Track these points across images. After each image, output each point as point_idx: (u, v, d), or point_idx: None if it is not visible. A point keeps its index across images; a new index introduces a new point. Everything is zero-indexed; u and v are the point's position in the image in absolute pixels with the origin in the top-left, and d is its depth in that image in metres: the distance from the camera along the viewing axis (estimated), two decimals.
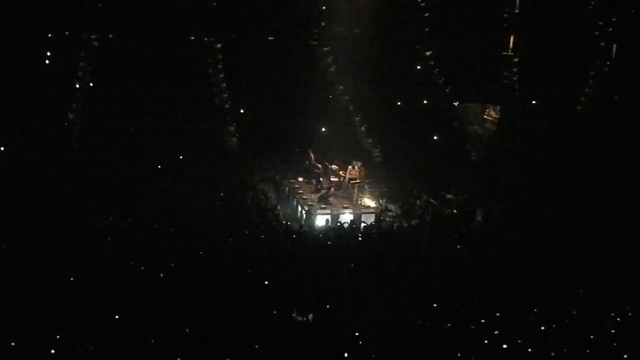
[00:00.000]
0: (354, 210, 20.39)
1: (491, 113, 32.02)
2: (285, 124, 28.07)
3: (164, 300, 12.79)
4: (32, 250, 15.01)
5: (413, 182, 23.38)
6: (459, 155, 28.16)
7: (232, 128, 28.12)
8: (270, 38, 29.16)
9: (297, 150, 25.21)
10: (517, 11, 29.13)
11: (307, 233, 18.29)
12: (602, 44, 29.47)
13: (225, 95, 28.58)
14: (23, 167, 22.52)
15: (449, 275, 15.87)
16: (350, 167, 21.56)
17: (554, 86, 28.45)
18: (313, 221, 19.93)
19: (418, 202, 21.17)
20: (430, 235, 18.12)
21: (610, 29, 29.07)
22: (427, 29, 30.20)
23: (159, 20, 27.18)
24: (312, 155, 22.71)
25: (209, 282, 13.96)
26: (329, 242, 17.35)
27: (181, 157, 25.69)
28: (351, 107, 29.21)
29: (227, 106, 28.54)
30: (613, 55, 29.20)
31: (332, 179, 21.63)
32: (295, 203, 21.72)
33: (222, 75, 28.66)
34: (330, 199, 20.87)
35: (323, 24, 29.14)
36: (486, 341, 11.60)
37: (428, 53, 30.54)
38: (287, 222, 19.55)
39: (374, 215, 20.15)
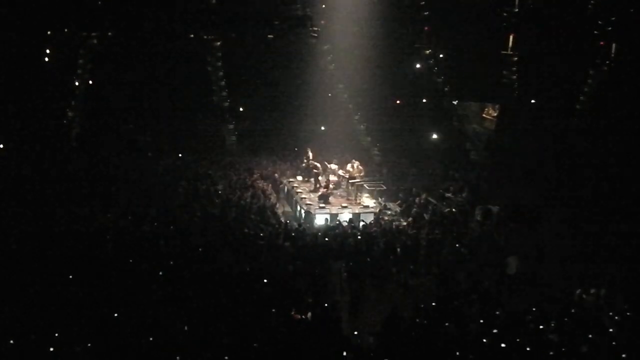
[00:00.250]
0: (353, 209, 20.37)
1: (490, 112, 32.04)
2: (284, 122, 28.12)
3: (163, 299, 12.79)
4: (31, 249, 15.01)
5: (412, 180, 23.36)
6: (459, 154, 28.19)
7: (231, 126, 28.12)
8: (269, 36, 29.14)
9: (295, 149, 25.18)
10: (517, 11, 29.11)
11: (306, 232, 18.28)
12: (602, 43, 29.45)
13: (225, 93, 28.59)
14: (23, 165, 22.51)
15: (448, 274, 15.92)
16: (348, 165, 21.54)
17: (553, 86, 28.46)
18: (312, 220, 19.91)
19: (417, 200, 21.16)
20: (429, 234, 18.11)
21: (610, 29, 29.05)
22: (427, 28, 30.18)
23: (159, 19, 27.16)
24: (310, 154, 22.71)
25: (208, 280, 13.97)
26: (327, 239, 17.35)
27: (180, 155, 25.72)
28: (350, 106, 29.21)
29: (226, 104, 28.55)
30: (613, 55, 29.19)
31: (331, 178, 21.61)
32: (294, 202, 21.70)
33: (221, 74, 28.66)
34: (329, 198, 20.85)
35: (323, 22, 29.11)
36: (485, 340, 11.60)
37: (428, 52, 30.53)
38: (286, 221, 19.53)
39: (372, 214, 20.13)
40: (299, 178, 23.08)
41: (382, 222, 19.34)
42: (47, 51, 26.81)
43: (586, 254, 17.16)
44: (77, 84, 27.14)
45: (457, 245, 17.41)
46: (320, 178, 21.84)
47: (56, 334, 10.86)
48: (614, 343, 11.75)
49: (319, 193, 21.16)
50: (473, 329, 12.21)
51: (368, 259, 16.27)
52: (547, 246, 17.45)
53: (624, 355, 11.28)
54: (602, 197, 21.72)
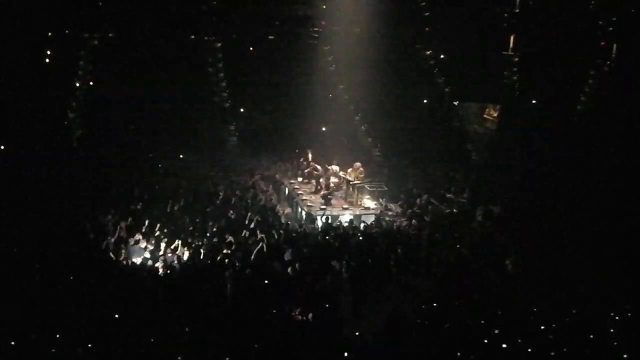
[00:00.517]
0: (354, 211, 20.38)
1: (491, 112, 32.03)
2: (284, 123, 28.13)
3: (164, 300, 12.81)
4: (32, 250, 15.04)
5: (413, 181, 23.36)
6: (459, 154, 28.18)
7: (231, 127, 28.14)
8: (270, 37, 29.17)
9: (296, 151, 25.19)
10: (518, 11, 29.13)
11: (307, 233, 18.28)
12: (602, 43, 29.47)
13: (225, 94, 28.61)
14: (23, 166, 22.53)
15: (448, 274, 15.92)
16: (350, 169, 21.51)
17: (554, 86, 28.46)
18: (313, 221, 19.92)
19: (418, 201, 21.16)
20: (430, 235, 18.12)
21: (611, 29, 29.07)
22: (427, 29, 30.21)
23: (160, 20, 27.20)
24: (309, 156, 22.76)
25: (209, 281, 13.98)
26: (328, 239, 17.36)
27: (181, 156, 25.74)
28: (351, 107, 29.22)
29: (226, 105, 28.57)
30: (613, 55, 29.20)
31: (332, 180, 21.59)
32: (295, 203, 21.71)
33: (222, 75, 28.68)
34: (331, 200, 20.86)
35: (323, 22, 29.14)
36: (486, 341, 11.61)
37: (428, 53, 30.53)
38: (287, 222, 19.54)
39: (374, 215, 20.14)
40: (300, 180, 23.10)
41: (383, 223, 19.35)
42: (48, 52, 26.85)
43: (586, 254, 17.13)
44: (77, 85, 27.17)
45: (458, 245, 17.42)
46: (321, 180, 21.86)
47: (57, 335, 10.88)
48: (614, 343, 11.76)
49: (320, 194, 21.19)
50: (474, 329, 12.22)
51: (369, 260, 16.27)
52: (547, 246, 17.46)
53: (625, 356, 11.29)
54: (602, 197, 21.69)
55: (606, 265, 16.20)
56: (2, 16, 24.57)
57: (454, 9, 28.52)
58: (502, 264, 16.33)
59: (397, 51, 29.92)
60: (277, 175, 23.79)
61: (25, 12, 25.05)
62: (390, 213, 20.72)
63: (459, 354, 11.02)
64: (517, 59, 29.76)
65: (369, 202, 21.01)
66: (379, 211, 20.43)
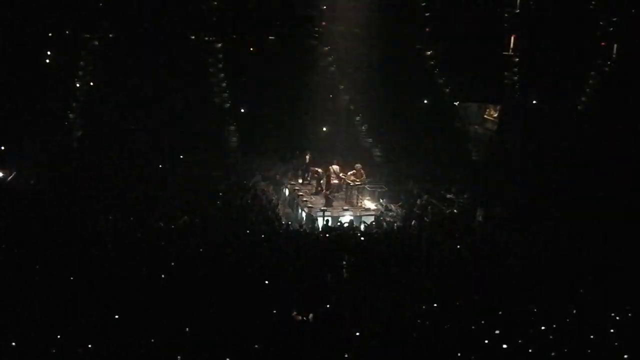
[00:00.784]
0: (354, 212, 20.38)
1: (491, 113, 32.03)
2: (285, 124, 28.10)
3: (164, 300, 12.80)
4: (33, 250, 15.03)
5: (413, 182, 23.37)
6: (460, 155, 28.17)
7: (232, 128, 28.12)
8: (270, 37, 29.15)
9: (297, 152, 25.18)
10: (518, 11, 29.12)
11: (307, 233, 18.28)
12: (602, 43, 29.47)
13: (226, 95, 28.60)
14: (23, 166, 22.55)
15: (449, 275, 15.91)
16: (350, 172, 21.49)
17: (554, 86, 28.46)
18: (313, 222, 19.92)
19: (418, 202, 21.16)
20: (431, 235, 18.12)
21: (611, 29, 29.07)
22: (427, 29, 30.19)
23: (160, 21, 27.19)
24: (307, 157, 22.78)
25: (209, 281, 13.97)
26: (328, 240, 17.36)
27: (181, 156, 25.73)
28: (352, 107, 29.21)
29: (227, 106, 28.55)
30: (613, 55, 29.20)
31: (332, 181, 21.57)
32: (295, 204, 21.71)
33: (222, 75, 28.67)
34: (332, 201, 20.86)
35: (324, 23, 29.13)
36: (487, 341, 11.60)
37: (428, 53, 30.52)
38: (287, 223, 19.55)
39: (374, 216, 20.14)
40: (300, 181, 23.11)
41: (384, 223, 19.35)
42: (48, 52, 26.85)
43: (586, 254, 17.13)
44: (78, 85, 27.17)
45: (458, 245, 17.41)
46: (322, 182, 21.88)
47: (58, 335, 10.87)
48: (614, 343, 11.75)
49: (322, 193, 21.21)
50: (474, 329, 12.21)
51: (369, 260, 16.26)
52: (547, 246, 17.46)
53: (625, 356, 11.28)
54: (602, 197, 21.69)
55: (606, 265, 16.21)
56: (2, 16, 24.58)
57: (454, 9, 28.50)
58: (502, 264, 16.33)
59: (397, 51, 29.89)
60: (277, 176, 23.79)
61: (25, 12, 25.04)
62: (390, 213, 20.72)
63: (459, 354, 11.01)
64: (517, 59, 29.75)
65: (369, 204, 21.01)
66: (379, 212, 20.43)
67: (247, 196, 20.81)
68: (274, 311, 12.80)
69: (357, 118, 29.13)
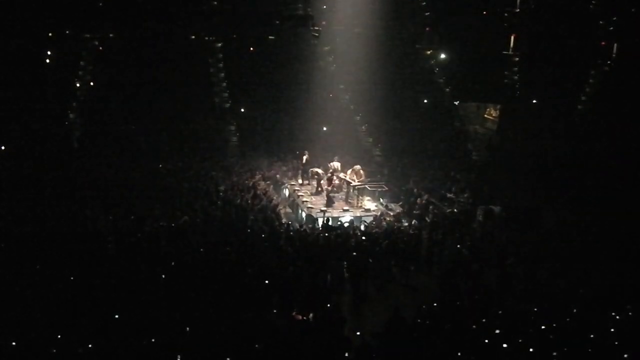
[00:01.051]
0: (355, 212, 20.37)
1: (492, 112, 32.05)
2: (285, 123, 28.12)
3: (164, 300, 12.80)
4: (33, 250, 15.04)
5: (414, 181, 23.38)
6: (459, 154, 28.18)
7: (232, 127, 28.14)
8: (270, 37, 29.17)
9: (297, 152, 25.18)
10: (518, 11, 29.15)
11: (307, 233, 18.26)
12: (603, 43, 29.49)
13: (226, 94, 28.61)
14: (24, 167, 22.55)
15: (449, 274, 15.91)
16: (350, 171, 21.47)
17: (554, 86, 28.48)
18: (314, 222, 19.90)
19: (419, 201, 21.14)
20: (431, 235, 18.11)
21: (611, 29, 29.09)
22: (428, 29, 30.21)
23: (160, 20, 27.21)
24: (305, 158, 22.83)
25: (209, 281, 13.97)
26: (329, 240, 17.35)
27: (181, 156, 25.72)
28: (352, 107, 29.22)
29: (227, 105, 28.57)
30: (613, 55, 29.22)
31: (333, 182, 21.54)
32: (295, 204, 21.70)
33: (222, 75, 28.69)
34: (332, 201, 20.85)
35: (324, 22, 29.14)
36: (486, 341, 11.60)
37: (429, 53, 30.53)
38: (288, 222, 19.54)
39: (374, 216, 20.12)
40: (300, 181, 23.11)
41: (384, 223, 19.33)
42: (49, 53, 26.87)
43: (586, 254, 17.13)
44: (78, 85, 27.18)
45: (458, 245, 17.41)
46: (322, 182, 21.86)
47: (58, 335, 10.88)
48: (614, 343, 11.75)
49: (322, 194, 21.20)
50: (475, 329, 12.21)
51: (370, 260, 16.27)
52: (547, 246, 17.46)
53: (625, 356, 11.28)
54: (602, 197, 21.69)
55: (606, 265, 16.21)
56: (2, 16, 24.59)
57: (454, 9, 28.51)
58: (502, 264, 16.32)
59: (397, 51, 29.91)
60: (277, 175, 23.79)
61: (26, 12, 25.05)
62: (390, 213, 20.71)
63: (459, 354, 11.01)
64: (517, 59, 29.77)
65: (369, 204, 20.99)
66: (379, 212, 20.41)
67: (247, 196, 20.80)
68: (274, 311, 12.79)
69: (357, 117, 29.14)
